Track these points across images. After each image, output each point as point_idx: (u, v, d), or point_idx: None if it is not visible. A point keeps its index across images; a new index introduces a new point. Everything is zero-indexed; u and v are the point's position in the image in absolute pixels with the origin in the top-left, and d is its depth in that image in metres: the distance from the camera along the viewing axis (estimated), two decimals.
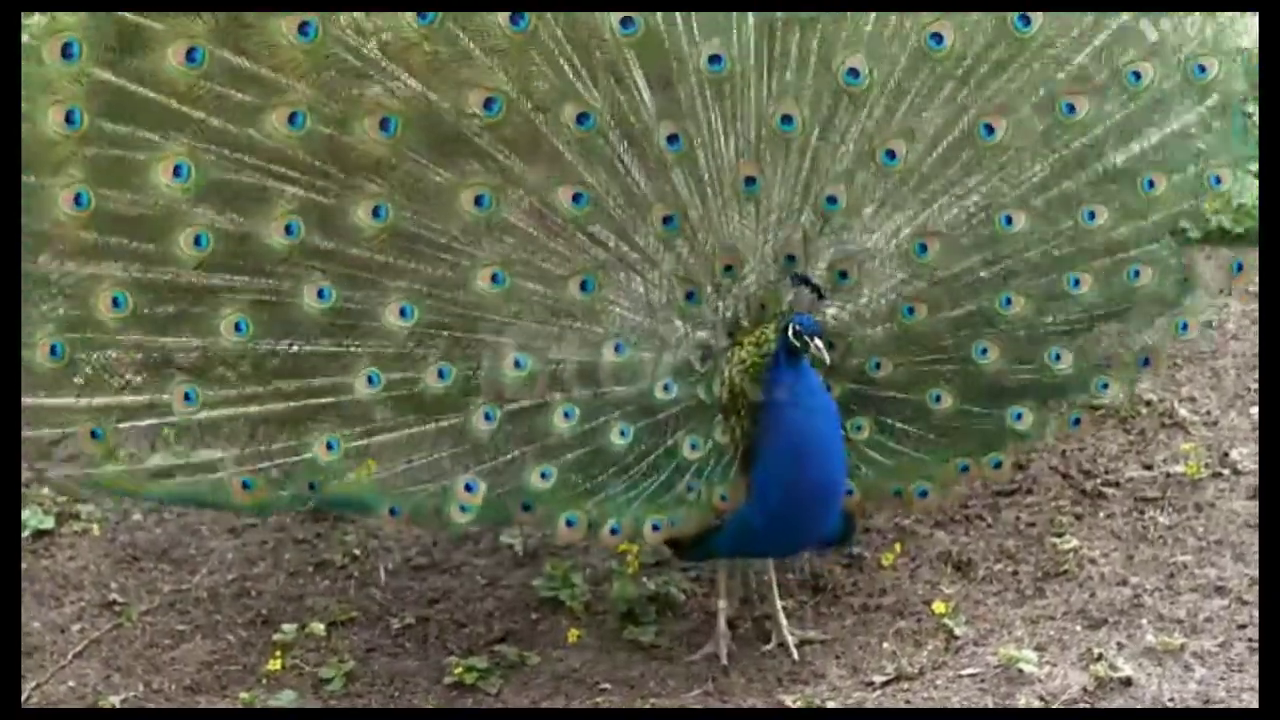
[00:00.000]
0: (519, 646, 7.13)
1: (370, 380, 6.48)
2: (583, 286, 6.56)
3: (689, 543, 6.74)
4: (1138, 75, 6.73)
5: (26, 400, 6.24)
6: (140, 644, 7.23)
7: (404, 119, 6.38)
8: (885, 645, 6.98)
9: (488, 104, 6.43)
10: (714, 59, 6.54)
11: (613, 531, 6.53)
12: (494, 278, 6.49)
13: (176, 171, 6.31)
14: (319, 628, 7.32)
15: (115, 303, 6.36)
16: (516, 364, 6.47)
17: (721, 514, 6.60)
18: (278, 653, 7.11)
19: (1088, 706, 6.39)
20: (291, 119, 6.35)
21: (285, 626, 7.30)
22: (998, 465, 6.83)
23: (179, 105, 6.28)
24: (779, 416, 6.49)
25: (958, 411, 6.72)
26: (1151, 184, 6.79)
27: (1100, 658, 6.68)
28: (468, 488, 6.48)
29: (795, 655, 6.96)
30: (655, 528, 6.54)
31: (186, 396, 6.45)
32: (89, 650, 7.14)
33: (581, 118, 6.48)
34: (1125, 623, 6.96)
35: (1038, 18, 6.58)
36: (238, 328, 6.42)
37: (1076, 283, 6.79)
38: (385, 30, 6.35)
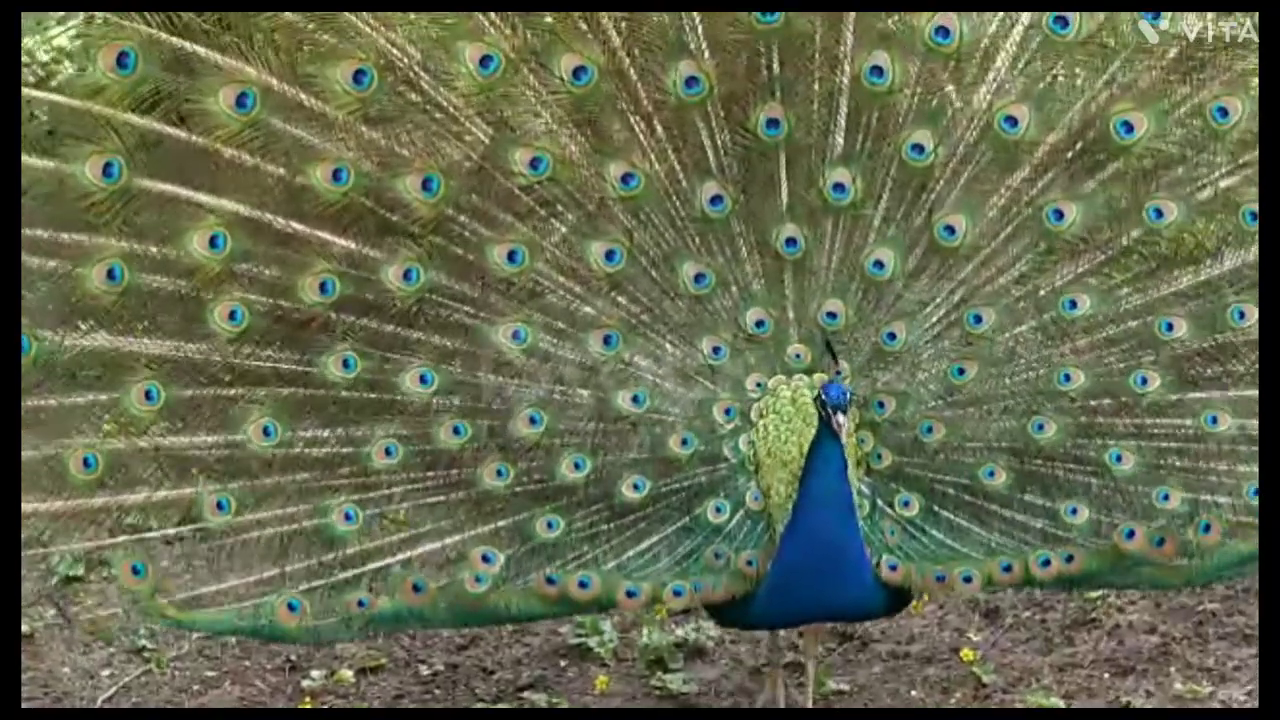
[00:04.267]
0: (547, 694, 7.00)
1: (388, 451, 6.30)
2: (605, 342, 6.33)
3: (724, 609, 6.44)
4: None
5: (51, 506, 6.10)
6: (169, 690, 7.11)
7: (446, 178, 6.15)
8: (914, 693, 6.86)
9: (534, 163, 6.19)
10: (771, 123, 6.22)
11: (629, 594, 6.21)
12: (515, 335, 6.27)
13: (213, 242, 6.11)
14: (348, 675, 7.16)
15: (148, 396, 6.18)
16: (532, 420, 6.25)
17: (752, 580, 6.26)
18: (307, 700, 6.97)
19: None
20: (336, 175, 6.12)
21: (314, 673, 7.16)
22: (1045, 563, 6.25)
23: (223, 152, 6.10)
24: (804, 483, 6.17)
25: (1009, 496, 6.32)
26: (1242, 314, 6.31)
27: (1128, 706, 6.58)
28: (485, 558, 6.26)
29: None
30: (677, 593, 6.23)
31: (219, 505, 6.26)
32: (118, 696, 7.02)
33: (626, 178, 6.23)
34: (1154, 671, 6.88)
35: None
36: (266, 432, 6.25)
37: (1144, 381, 6.33)
38: (441, 79, 6.16)
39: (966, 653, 6.91)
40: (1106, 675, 6.86)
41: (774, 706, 6.71)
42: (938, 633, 7.18)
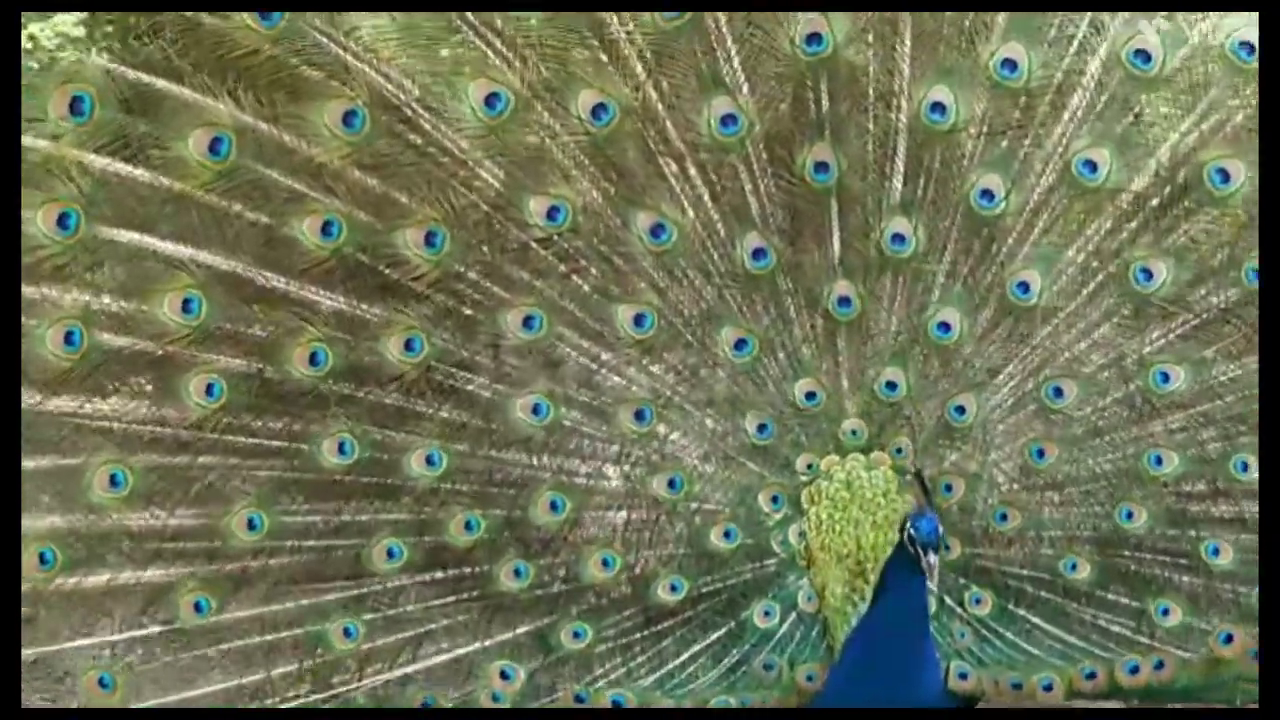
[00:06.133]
0: None
1: (391, 553, 5.59)
2: (637, 417, 5.59)
3: None
4: None
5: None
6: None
7: (452, 231, 5.44)
8: None
9: (551, 213, 5.45)
10: (820, 166, 5.45)
11: None
12: (535, 409, 5.53)
13: (186, 306, 5.40)
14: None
15: (113, 481, 5.48)
16: (553, 506, 5.55)
17: (807, 696, 5.60)
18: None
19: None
20: (325, 228, 5.40)
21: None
22: (1134, 670, 5.57)
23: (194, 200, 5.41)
24: (876, 613, 5.39)
25: (1091, 593, 5.68)
26: None
27: None
28: (503, 675, 5.58)
29: None
30: None
31: (197, 607, 5.59)
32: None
33: (657, 230, 5.50)
34: None
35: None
36: (251, 525, 5.53)
37: (1245, 466, 5.55)
38: (443, 118, 5.45)
39: None
40: None
41: None
42: None
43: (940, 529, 5.20)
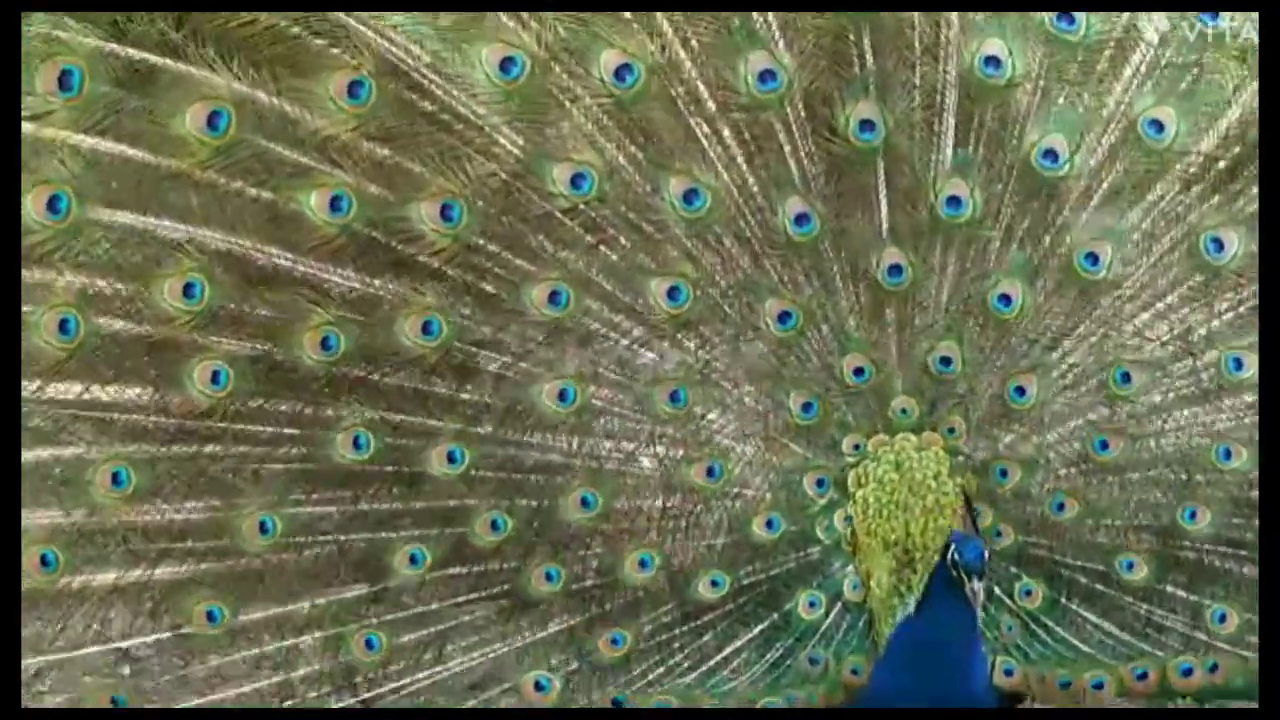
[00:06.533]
0: None
1: (413, 559, 5.31)
2: (672, 398, 5.27)
3: None
4: None
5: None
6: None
7: (470, 203, 5.10)
8: None
9: (576, 180, 5.11)
10: (865, 124, 5.08)
11: None
12: (561, 395, 5.24)
13: (188, 291, 5.08)
14: None
15: (116, 479, 5.20)
16: (584, 503, 5.28)
17: (853, 691, 5.36)
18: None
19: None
20: (334, 203, 5.06)
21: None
22: (1187, 672, 5.37)
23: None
24: (923, 607, 5.14)
25: (1148, 587, 5.40)
26: None
27: None
28: (538, 686, 5.34)
29: None
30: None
31: (210, 616, 5.34)
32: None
33: (690, 195, 5.14)
34: None
35: None
36: (263, 528, 5.25)
37: None
38: (456, 83, 5.09)
39: None
40: None
41: None
42: None
43: (987, 554, 4.93)
